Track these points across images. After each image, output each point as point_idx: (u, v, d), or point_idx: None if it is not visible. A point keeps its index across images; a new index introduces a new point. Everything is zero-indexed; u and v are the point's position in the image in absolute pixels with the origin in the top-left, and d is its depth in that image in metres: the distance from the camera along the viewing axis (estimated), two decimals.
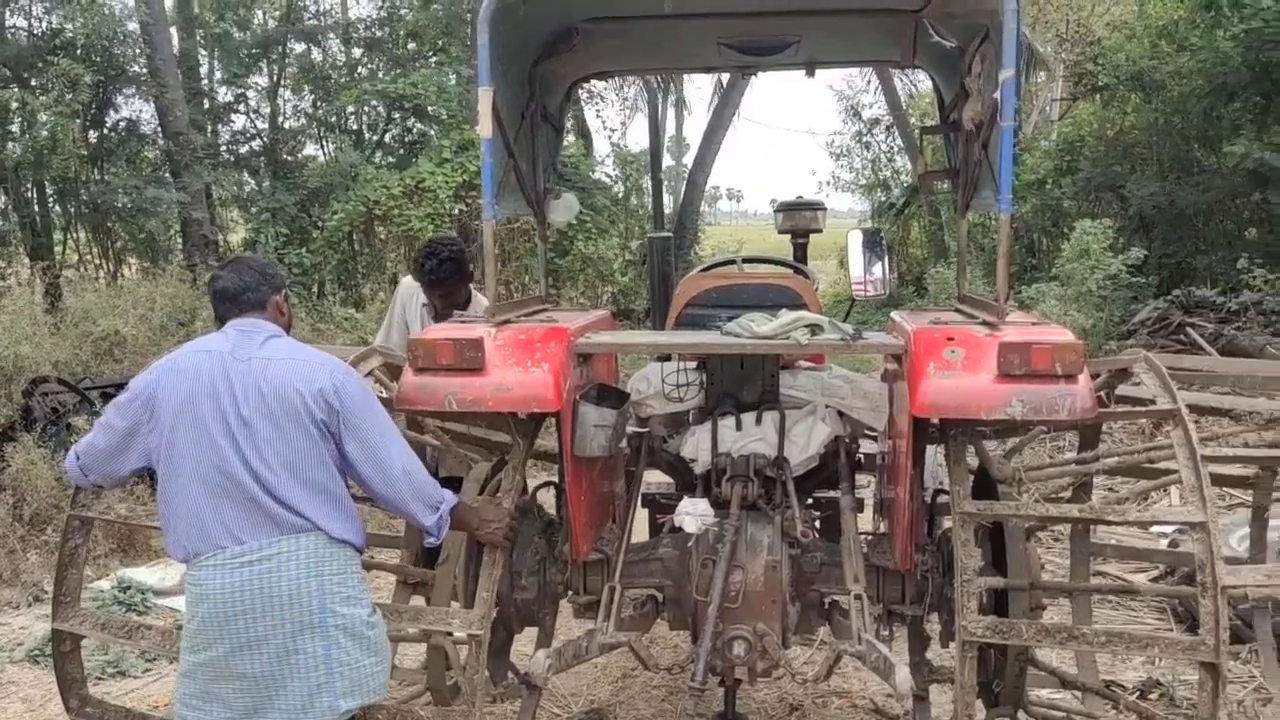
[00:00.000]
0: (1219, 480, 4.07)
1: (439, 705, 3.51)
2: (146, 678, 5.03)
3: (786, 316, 3.39)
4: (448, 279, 4.58)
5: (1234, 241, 13.03)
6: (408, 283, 4.93)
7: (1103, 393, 3.54)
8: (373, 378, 3.64)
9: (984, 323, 3.28)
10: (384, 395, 3.37)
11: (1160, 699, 4.45)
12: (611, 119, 37.41)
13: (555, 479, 4.02)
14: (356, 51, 16.46)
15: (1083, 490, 3.93)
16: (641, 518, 4.29)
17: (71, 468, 2.99)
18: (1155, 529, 6.00)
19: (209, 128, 14.83)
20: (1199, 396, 3.47)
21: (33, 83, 12.41)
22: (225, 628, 2.68)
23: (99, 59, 12.63)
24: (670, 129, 28.51)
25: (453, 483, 3.79)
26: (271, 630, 2.67)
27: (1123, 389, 3.75)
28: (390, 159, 14.92)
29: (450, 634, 3.45)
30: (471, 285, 4.81)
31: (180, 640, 2.83)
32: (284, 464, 2.69)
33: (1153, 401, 3.25)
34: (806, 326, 3.33)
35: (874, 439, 4.18)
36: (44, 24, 13.07)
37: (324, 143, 16.25)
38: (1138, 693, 4.46)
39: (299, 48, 16.08)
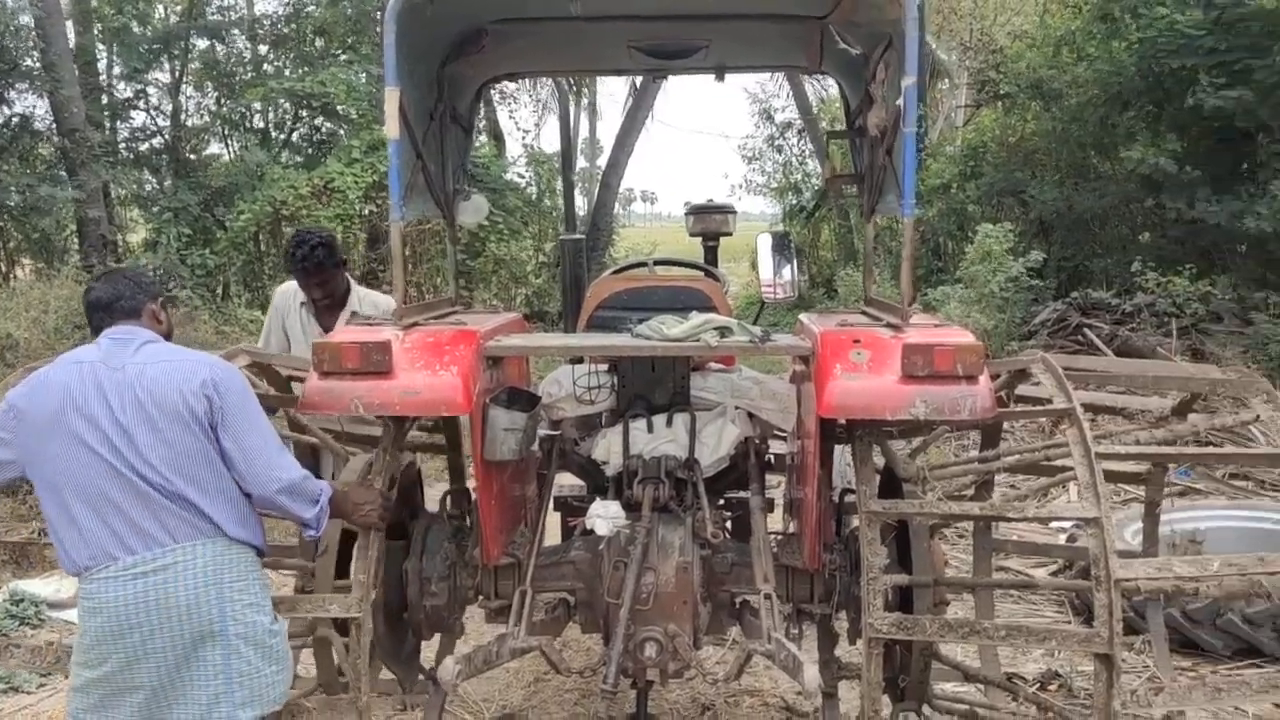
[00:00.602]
0: (1113, 476, 4.22)
1: (329, 696, 3.46)
2: (41, 693, 4.84)
3: (696, 319, 3.41)
4: (321, 265, 4.44)
5: (1128, 245, 13.50)
6: (283, 290, 4.79)
7: (1003, 393, 3.64)
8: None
9: (889, 325, 3.34)
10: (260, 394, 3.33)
11: (1059, 690, 4.59)
12: (525, 120, 37.22)
13: (466, 484, 3.99)
14: (262, 48, 16.07)
15: (984, 488, 4.02)
16: (554, 521, 4.27)
17: None
18: (1055, 525, 6.19)
19: (107, 125, 14.36)
20: (1094, 396, 3.59)
21: None
22: (121, 641, 2.62)
23: None
24: (584, 131, 28.50)
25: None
26: (170, 642, 2.62)
27: (1023, 389, 3.86)
28: (298, 158, 14.62)
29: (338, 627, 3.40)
30: (351, 279, 4.72)
31: (73, 655, 2.75)
32: (171, 468, 2.64)
33: (1050, 401, 3.35)
34: (716, 329, 3.35)
35: (784, 440, 4.23)
36: None
37: (229, 141, 15.84)
38: (1038, 684, 4.60)
39: (202, 43, 15.63)
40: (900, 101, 3.13)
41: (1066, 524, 6.02)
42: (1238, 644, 4.85)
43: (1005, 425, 7.73)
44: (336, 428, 3.74)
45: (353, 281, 4.72)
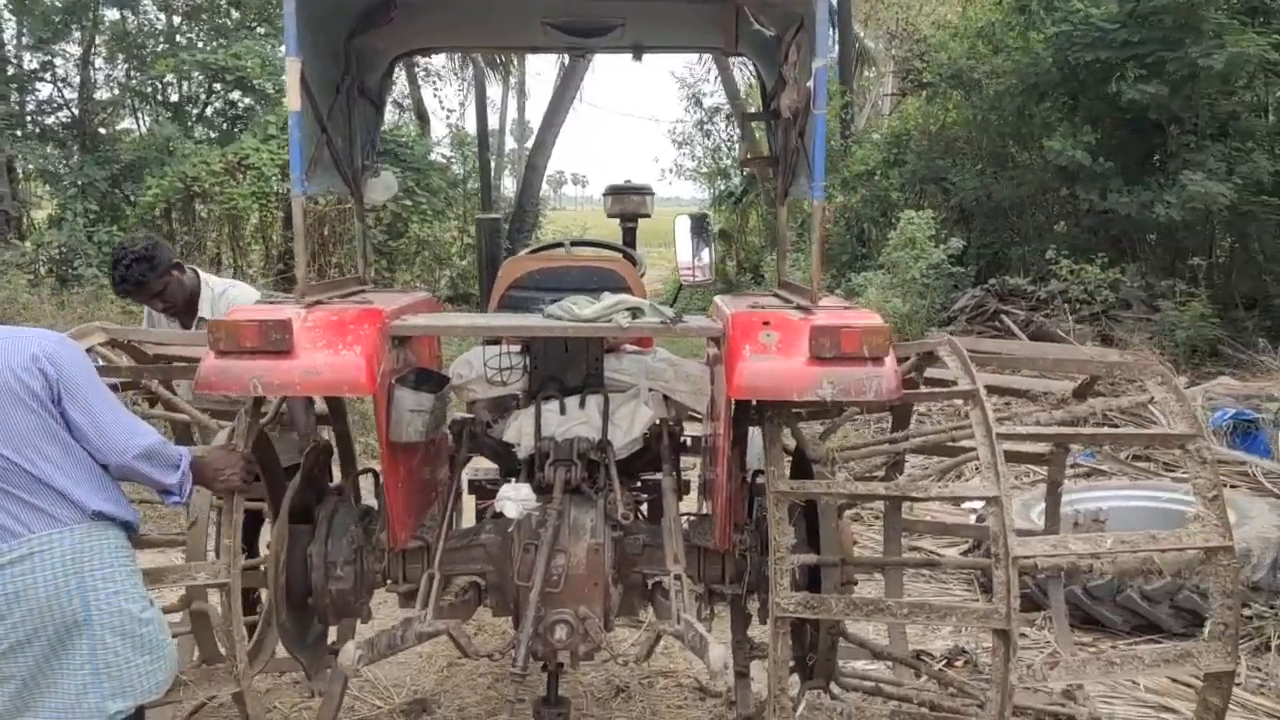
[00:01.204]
0: (1018, 457, 4.31)
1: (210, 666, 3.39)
2: None
3: (608, 300, 3.38)
4: (143, 280, 4.19)
5: (1044, 234, 13.81)
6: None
7: (912, 374, 3.68)
8: (93, 353, 3.47)
9: (799, 307, 3.35)
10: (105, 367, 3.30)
11: (965, 666, 4.68)
12: (450, 99, 36.75)
13: (375, 466, 3.92)
14: (175, 19, 15.59)
15: (894, 469, 4.08)
16: (469, 505, 4.22)
17: None
18: (966, 505, 6.31)
19: (12, 96, 13.82)
20: (1001, 379, 3.65)
21: None
22: None
23: None
24: (513, 112, 28.26)
25: (291, 470, 3.66)
26: (34, 634, 2.55)
27: (934, 372, 3.91)
28: (212, 134, 14.24)
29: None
30: (201, 275, 4.45)
31: None
32: (16, 451, 2.55)
33: (955, 383, 3.39)
34: (628, 310, 3.33)
35: (700, 422, 4.23)
36: None
37: (139, 115, 15.37)
38: (944, 661, 4.69)
39: (112, 14, 15.12)
40: (810, 83, 3.13)
41: (977, 504, 6.15)
42: (1137, 620, 5.00)
43: (921, 408, 7.89)
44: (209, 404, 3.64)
45: (206, 278, 4.45)
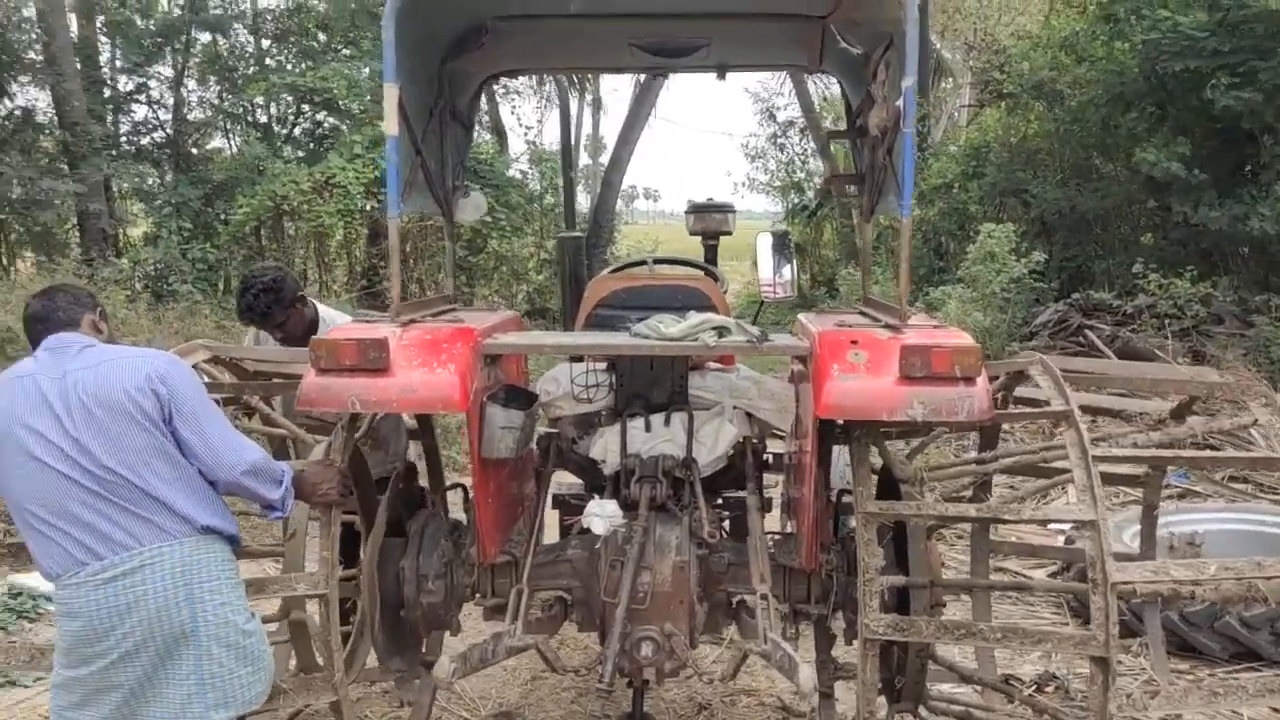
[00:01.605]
0: (1111, 479, 4.21)
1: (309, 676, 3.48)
2: (38, 686, 4.84)
3: (694, 318, 3.40)
4: (268, 311, 4.33)
5: (1130, 246, 13.48)
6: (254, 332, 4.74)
7: (1001, 394, 3.63)
8: (197, 369, 3.58)
9: (886, 326, 3.33)
10: (208, 383, 3.38)
11: (1056, 692, 4.58)
12: (527, 116, 37.16)
13: (465, 481, 3.99)
14: (265, 42, 16.07)
15: (982, 489, 4.02)
16: (552, 520, 4.27)
17: None
18: (1053, 526, 6.18)
19: (109, 118, 14.36)
20: (1092, 398, 3.58)
21: None
22: (98, 644, 2.64)
23: None
24: (587, 128, 28.46)
25: (381, 483, 3.75)
26: (143, 644, 2.63)
27: (1021, 390, 3.85)
28: (300, 153, 14.62)
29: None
30: (320, 307, 4.59)
31: (55, 655, 2.77)
32: (128, 467, 2.63)
33: (1048, 403, 3.34)
34: (714, 328, 3.35)
35: (782, 439, 4.22)
36: None
37: (230, 136, 15.85)
38: (1034, 686, 4.59)
39: (204, 37, 15.64)
40: (900, 102, 3.12)
41: (1064, 526, 6.02)
42: (1235, 647, 4.85)
43: (1005, 427, 7.76)
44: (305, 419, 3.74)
45: (324, 311, 4.58)
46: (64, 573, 2.63)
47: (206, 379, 3.60)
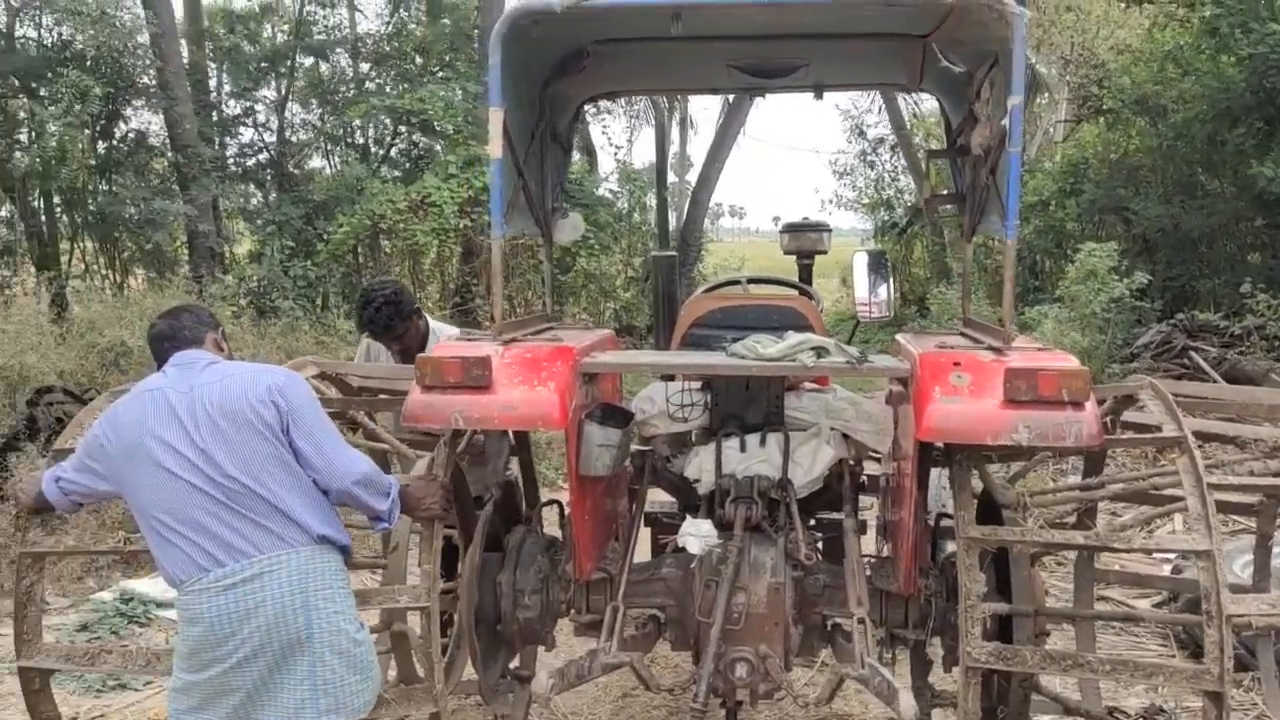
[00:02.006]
0: (1223, 507, 4.06)
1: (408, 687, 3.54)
2: (148, 690, 5.03)
3: (793, 339, 3.40)
4: (390, 324, 4.47)
5: (1237, 266, 13.03)
6: (369, 342, 4.88)
7: (1108, 419, 3.54)
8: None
9: (990, 348, 3.29)
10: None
11: None
12: (617, 135, 37.53)
13: (559, 498, 4.04)
14: (364, 66, 16.53)
15: (1087, 516, 3.92)
16: (644, 537, 4.29)
17: (50, 489, 3.02)
18: (1158, 555, 5.98)
19: (217, 140, 14.90)
20: (1204, 423, 3.46)
21: (42, 93, 12.49)
22: (219, 649, 2.72)
23: (109, 70, 12.70)
24: (674, 146, 28.58)
25: (479, 502, 3.82)
26: (261, 648, 2.71)
27: (1129, 415, 3.76)
28: (396, 173, 14.97)
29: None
30: (429, 320, 4.72)
31: (175, 659, 2.86)
32: (251, 475, 2.73)
33: (1158, 428, 3.25)
34: (812, 349, 3.34)
35: (878, 461, 4.18)
36: (54, 35, 13.17)
37: (330, 156, 16.32)
38: (1141, 719, 4.45)
39: (307, 61, 16.16)
40: (1005, 121, 3.08)
41: (1170, 555, 5.83)
42: None
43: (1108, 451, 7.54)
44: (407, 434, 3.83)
45: (433, 323, 4.73)
46: (188, 579, 2.73)
47: (315, 394, 3.72)
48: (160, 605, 5.97)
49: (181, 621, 2.79)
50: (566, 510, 3.75)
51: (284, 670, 2.73)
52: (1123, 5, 16.14)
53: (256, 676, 2.73)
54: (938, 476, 3.99)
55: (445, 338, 4.54)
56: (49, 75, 12.26)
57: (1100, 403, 3.28)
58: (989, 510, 3.53)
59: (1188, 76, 12.65)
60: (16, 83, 12.59)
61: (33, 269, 13.02)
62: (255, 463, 2.74)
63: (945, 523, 3.86)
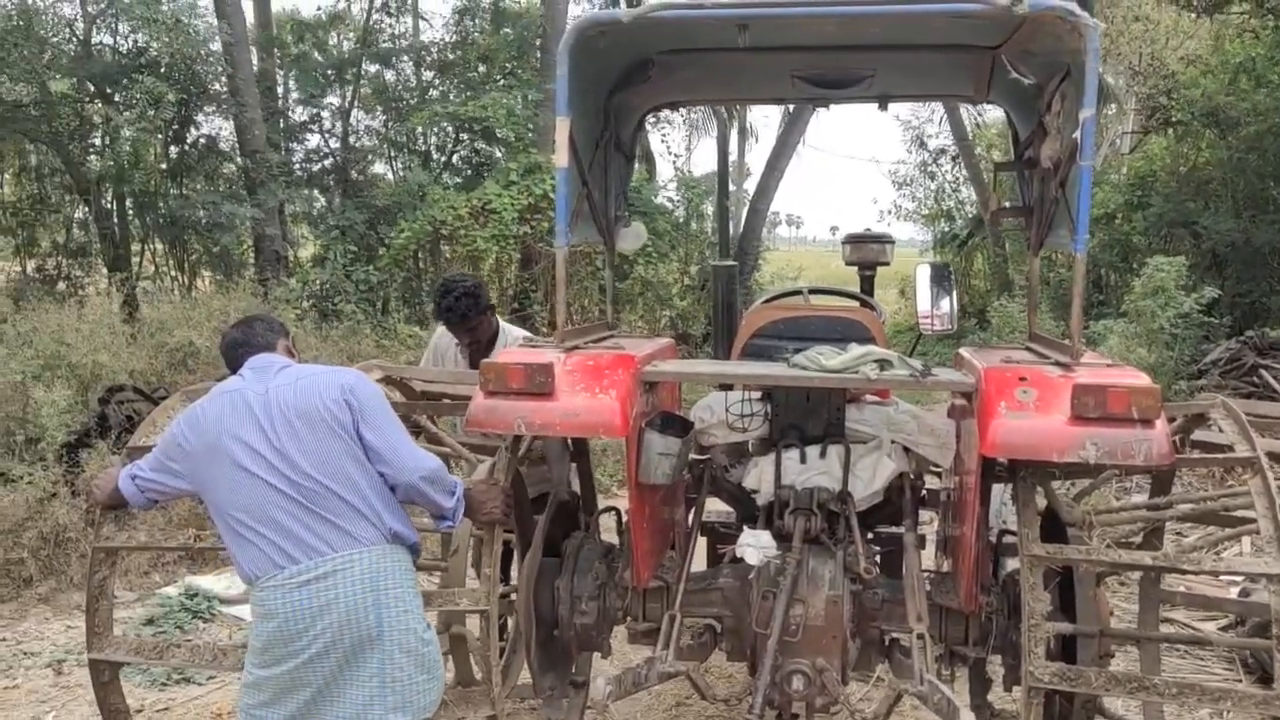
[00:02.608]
0: None
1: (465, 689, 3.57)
2: (211, 685, 5.13)
3: (856, 350, 3.38)
4: (466, 314, 4.57)
5: None
6: (441, 331, 4.97)
7: (1178, 437, 3.48)
8: None
9: (1057, 363, 3.24)
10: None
11: None
12: (676, 143, 37.51)
13: (617, 505, 4.05)
14: (428, 74, 16.75)
15: (1154, 536, 3.85)
16: (701, 547, 4.29)
17: (127, 487, 3.10)
18: (1225, 577, 5.85)
19: (284, 146, 15.19)
20: (1277, 444, 3.38)
21: (116, 99, 12.84)
22: (292, 644, 2.78)
23: (181, 77, 13.01)
24: (733, 155, 28.53)
25: (538, 502, 3.85)
26: (332, 644, 2.77)
27: (1199, 434, 3.68)
28: (457, 180, 15.14)
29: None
30: (499, 319, 4.82)
31: (248, 654, 2.93)
32: (325, 472, 2.80)
33: (1229, 448, 3.18)
34: (875, 361, 3.32)
35: (938, 476, 4.13)
36: (129, 42, 13.53)
37: (393, 162, 16.54)
38: None
39: (372, 69, 16.43)
40: (1077, 133, 3.04)
41: (1238, 578, 5.69)
42: None
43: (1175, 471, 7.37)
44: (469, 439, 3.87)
45: (502, 323, 4.83)
46: (263, 575, 2.79)
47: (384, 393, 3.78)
48: (224, 601, 6.09)
49: (256, 617, 2.86)
50: (624, 517, 3.76)
51: (354, 667, 2.78)
52: (1193, 16, 15.81)
53: (327, 672, 2.78)
54: (1000, 492, 3.95)
55: (514, 338, 4.64)
56: (124, 81, 12.60)
57: (1170, 421, 3.22)
58: (1053, 528, 3.48)
59: (1260, 88, 12.38)
60: (92, 88, 12.96)
61: (105, 270, 13.37)
62: (330, 461, 2.81)
63: (1007, 539, 3.81)
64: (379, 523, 2.84)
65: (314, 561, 2.76)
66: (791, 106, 18.56)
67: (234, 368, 3.05)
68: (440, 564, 3.75)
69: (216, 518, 2.89)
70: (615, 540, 4.02)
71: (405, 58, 16.57)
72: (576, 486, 4.23)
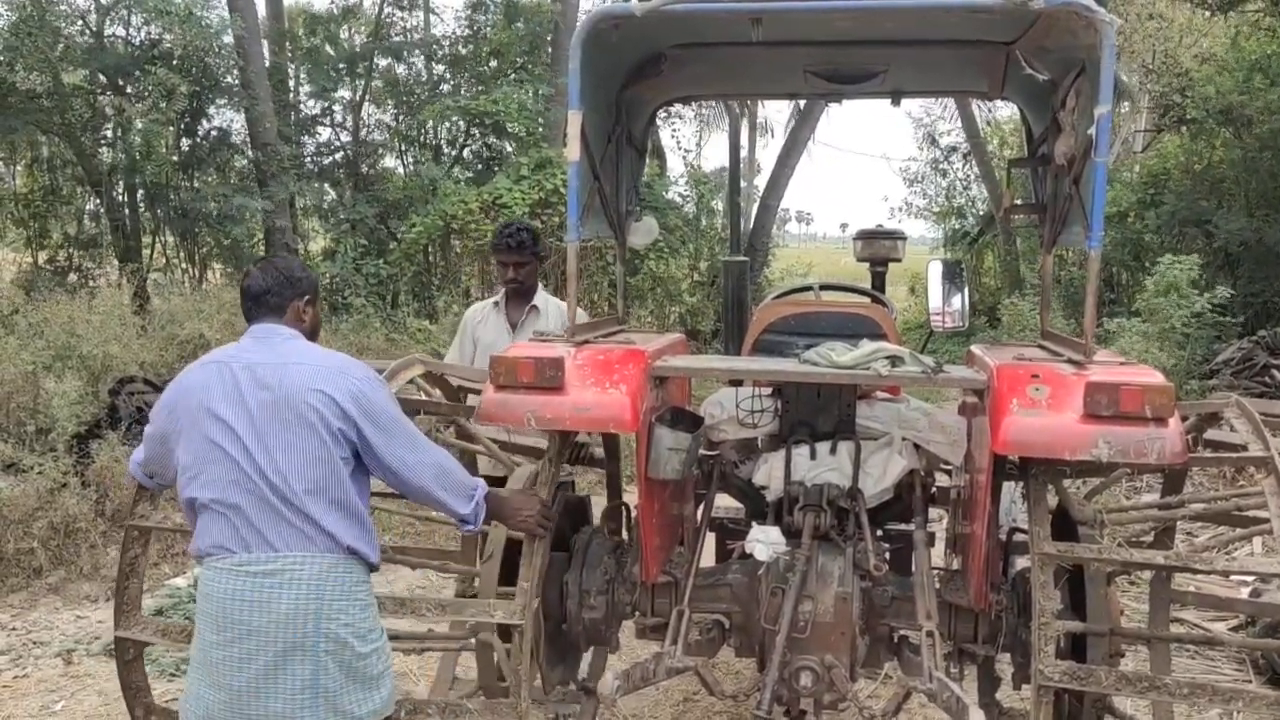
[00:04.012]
0: None
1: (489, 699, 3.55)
2: None
3: (867, 347, 3.37)
4: (523, 245, 4.74)
5: None
6: (473, 309, 4.99)
7: (1191, 436, 3.46)
8: (414, 385, 3.71)
9: (1069, 361, 3.23)
10: (421, 401, 3.50)
11: None
12: (687, 138, 37.44)
13: (625, 500, 4.05)
14: (439, 68, 16.75)
15: (1166, 535, 3.83)
16: (709, 542, 4.28)
17: (136, 472, 3.08)
18: (1236, 578, 5.82)
19: (295, 139, 15.21)
20: None
21: (129, 91, 12.87)
22: (220, 634, 2.66)
23: (194, 69, 13.04)
24: (743, 151, 28.49)
25: (493, 481, 3.82)
26: (261, 648, 2.63)
27: (1211, 433, 3.66)
28: (468, 174, 15.15)
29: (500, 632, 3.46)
30: (541, 285, 4.95)
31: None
32: (297, 474, 2.65)
33: (1241, 447, 3.17)
34: (887, 358, 3.30)
35: (948, 473, 4.12)
36: (142, 34, 13.56)
37: (404, 156, 16.56)
38: None
39: (384, 63, 16.44)
40: (1092, 130, 3.02)
41: (1249, 578, 5.67)
42: None
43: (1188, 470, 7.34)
44: (504, 438, 3.86)
45: (542, 289, 4.96)
46: (213, 554, 2.69)
47: (423, 396, 3.73)
48: None
49: (200, 596, 2.75)
50: (633, 513, 3.75)
51: (280, 674, 2.64)
52: (1207, 14, 15.73)
53: (250, 676, 2.64)
54: (1011, 490, 3.93)
55: (550, 302, 4.83)
56: (136, 73, 12.64)
57: (1183, 419, 3.20)
58: (1064, 526, 3.46)
59: (1275, 87, 12.31)
60: (105, 80, 13.00)
61: (116, 261, 13.42)
62: (305, 460, 2.67)
63: (1018, 537, 3.80)
64: (338, 534, 2.70)
65: (265, 554, 2.64)
66: (803, 102, 18.54)
67: (247, 319, 2.92)
68: (445, 557, 3.73)
69: (180, 477, 2.77)
70: (624, 536, 4.02)
71: (417, 52, 16.58)
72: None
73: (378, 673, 2.78)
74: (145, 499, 3.30)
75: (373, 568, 2.84)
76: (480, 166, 15.30)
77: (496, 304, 4.92)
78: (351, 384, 2.75)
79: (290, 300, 2.90)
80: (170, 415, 2.81)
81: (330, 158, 16.08)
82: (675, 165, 17.53)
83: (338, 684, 2.68)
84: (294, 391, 2.69)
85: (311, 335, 2.97)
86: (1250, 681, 5.03)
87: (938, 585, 3.62)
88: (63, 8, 12.69)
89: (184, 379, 2.84)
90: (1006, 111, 21.19)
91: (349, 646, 2.70)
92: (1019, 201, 4.44)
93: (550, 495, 3.31)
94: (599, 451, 4.30)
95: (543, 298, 4.86)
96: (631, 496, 4.24)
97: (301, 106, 16.12)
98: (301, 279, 2.96)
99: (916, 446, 3.89)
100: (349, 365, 2.84)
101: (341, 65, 16.04)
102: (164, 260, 14.80)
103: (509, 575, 3.92)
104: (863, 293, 4.97)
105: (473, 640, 3.66)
